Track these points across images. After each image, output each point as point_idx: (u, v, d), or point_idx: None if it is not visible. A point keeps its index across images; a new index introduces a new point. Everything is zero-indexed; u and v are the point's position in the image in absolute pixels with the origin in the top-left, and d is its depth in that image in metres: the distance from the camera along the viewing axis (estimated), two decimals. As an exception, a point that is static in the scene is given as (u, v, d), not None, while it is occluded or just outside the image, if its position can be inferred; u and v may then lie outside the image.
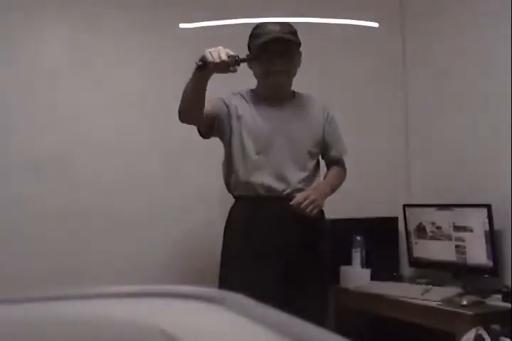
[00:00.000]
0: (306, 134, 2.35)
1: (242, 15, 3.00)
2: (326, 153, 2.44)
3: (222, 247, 2.34)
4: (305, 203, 2.15)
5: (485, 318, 2.36)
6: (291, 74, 2.35)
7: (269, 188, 2.27)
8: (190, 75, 2.90)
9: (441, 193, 3.14)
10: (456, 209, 2.86)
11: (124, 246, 2.80)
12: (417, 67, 3.38)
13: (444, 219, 2.91)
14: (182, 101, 2.17)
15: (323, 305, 2.38)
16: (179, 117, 2.21)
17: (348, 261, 3.00)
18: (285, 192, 2.26)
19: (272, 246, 2.24)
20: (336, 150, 2.45)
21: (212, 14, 3.03)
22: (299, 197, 2.17)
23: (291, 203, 2.16)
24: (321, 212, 2.35)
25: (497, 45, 2.87)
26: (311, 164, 2.36)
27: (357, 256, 2.99)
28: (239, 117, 2.31)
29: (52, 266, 2.64)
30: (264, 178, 2.26)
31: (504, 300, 2.52)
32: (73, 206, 2.73)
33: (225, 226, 2.36)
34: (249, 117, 2.32)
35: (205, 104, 2.19)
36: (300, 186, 2.28)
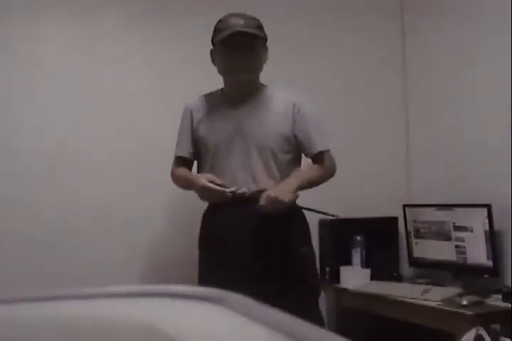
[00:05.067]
0: (266, 131, 2.25)
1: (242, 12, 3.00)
2: (301, 150, 2.32)
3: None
4: (267, 203, 2.08)
5: (485, 318, 2.35)
6: (255, 69, 2.26)
7: (230, 190, 2.18)
8: (189, 74, 2.92)
9: (441, 193, 3.13)
10: (456, 209, 2.86)
11: (125, 246, 2.79)
12: (417, 68, 3.38)
13: (444, 219, 2.91)
14: (177, 184, 2.42)
15: (305, 307, 2.20)
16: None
17: (348, 261, 3.00)
18: (248, 193, 2.19)
19: (237, 248, 2.19)
20: (310, 147, 2.28)
21: (212, 13, 3.03)
22: (261, 198, 2.10)
23: (257, 206, 2.10)
24: (298, 212, 2.27)
25: (497, 44, 2.87)
26: (279, 161, 2.26)
27: (357, 256, 2.99)
28: (197, 121, 2.31)
29: (52, 266, 2.64)
30: (225, 180, 2.19)
31: (504, 300, 2.52)
32: (73, 206, 2.73)
33: (199, 231, 2.35)
34: (205, 120, 2.29)
35: (182, 134, 2.38)
36: (266, 185, 2.20)
